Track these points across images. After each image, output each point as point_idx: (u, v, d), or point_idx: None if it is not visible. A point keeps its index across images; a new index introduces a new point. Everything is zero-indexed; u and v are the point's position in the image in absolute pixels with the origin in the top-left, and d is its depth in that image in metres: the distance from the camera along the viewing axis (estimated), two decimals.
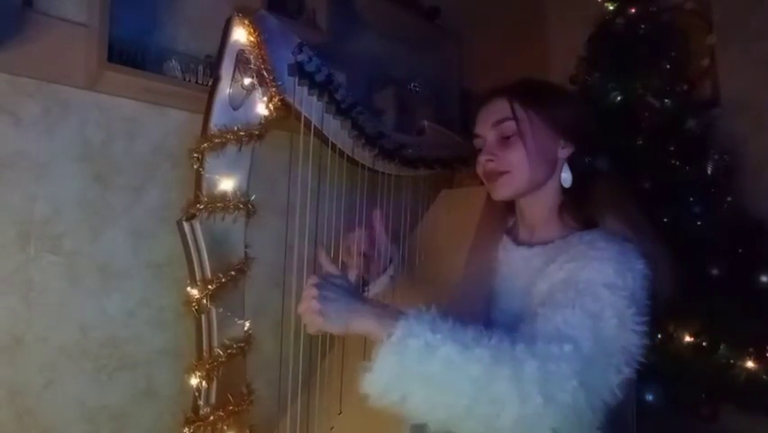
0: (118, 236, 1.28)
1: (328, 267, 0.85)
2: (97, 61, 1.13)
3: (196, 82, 1.30)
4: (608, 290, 0.79)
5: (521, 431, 0.68)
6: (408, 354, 0.68)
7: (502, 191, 0.99)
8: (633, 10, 1.81)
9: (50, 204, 1.19)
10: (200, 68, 1.31)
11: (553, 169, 0.99)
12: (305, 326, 0.76)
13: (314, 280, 0.76)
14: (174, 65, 1.28)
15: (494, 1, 2.23)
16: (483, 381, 0.67)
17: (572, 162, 0.98)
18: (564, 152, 0.98)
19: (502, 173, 0.97)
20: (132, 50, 1.24)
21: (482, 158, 1.00)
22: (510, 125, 0.96)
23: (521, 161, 0.95)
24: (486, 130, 1.00)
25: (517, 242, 1.05)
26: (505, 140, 0.97)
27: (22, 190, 1.16)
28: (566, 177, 0.98)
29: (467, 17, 2.07)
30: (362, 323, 0.73)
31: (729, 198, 1.67)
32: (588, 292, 0.79)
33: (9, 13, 1.08)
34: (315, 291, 0.74)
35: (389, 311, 0.74)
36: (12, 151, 1.15)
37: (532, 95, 0.99)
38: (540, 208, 1.01)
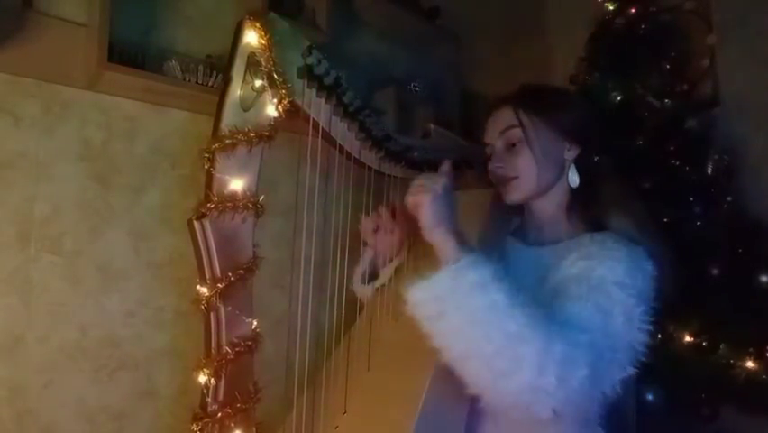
0: (118, 236, 1.28)
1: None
2: (97, 61, 1.13)
3: (196, 82, 1.30)
4: (619, 289, 0.82)
5: (523, 400, 0.73)
6: (464, 282, 0.74)
7: (513, 195, 1.02)
8: (633, 10, 1.81)
9: (50, 204, 1.19)
10: (200, 68, 1.31)
11: (560, 171, 1.02)
12: (407, 204, 0.84)
13: (447, 172, 0.87)
14: (174, 65, 1.28)
15: (494, 1, 2.23)
16: (515, 338, 0.72)
17: (579, 163, 1.01)
18: (571, 153, 1.02)
19: (512, 178, 1.01)
20: (132, 50, 1.24)
21: (492, 165, 1.03)
22: (516, 132, 1.00)
23: (529, 166, 0.99)
24: (494, 138, 1.04)
25: (527, 242, 1.06)
26: (512, 147, 1.01)
27: (22, 190, 1.16)
28: (573, 178, 1.01)
29: (467, 17, 2.07)
30: (446, 235, 0.80)
31: (729, 198, 1.66)
32: (600, 289, 0.82)
33: (9, 13, 1.08)
34: (446, 181, 0.83)
35: (469, 243, 0.82)
36: (12, 151, 1.15)
37: (535, 100, 1.02)
38: (549, 209, 1.04)
